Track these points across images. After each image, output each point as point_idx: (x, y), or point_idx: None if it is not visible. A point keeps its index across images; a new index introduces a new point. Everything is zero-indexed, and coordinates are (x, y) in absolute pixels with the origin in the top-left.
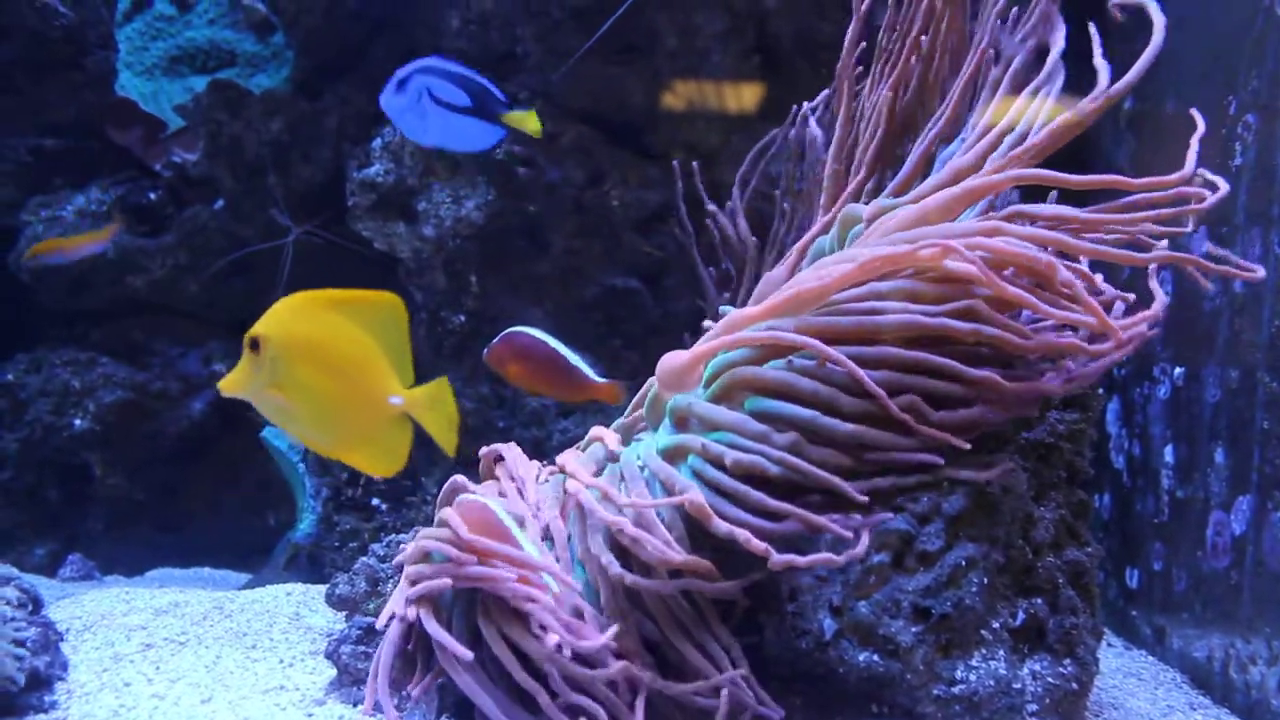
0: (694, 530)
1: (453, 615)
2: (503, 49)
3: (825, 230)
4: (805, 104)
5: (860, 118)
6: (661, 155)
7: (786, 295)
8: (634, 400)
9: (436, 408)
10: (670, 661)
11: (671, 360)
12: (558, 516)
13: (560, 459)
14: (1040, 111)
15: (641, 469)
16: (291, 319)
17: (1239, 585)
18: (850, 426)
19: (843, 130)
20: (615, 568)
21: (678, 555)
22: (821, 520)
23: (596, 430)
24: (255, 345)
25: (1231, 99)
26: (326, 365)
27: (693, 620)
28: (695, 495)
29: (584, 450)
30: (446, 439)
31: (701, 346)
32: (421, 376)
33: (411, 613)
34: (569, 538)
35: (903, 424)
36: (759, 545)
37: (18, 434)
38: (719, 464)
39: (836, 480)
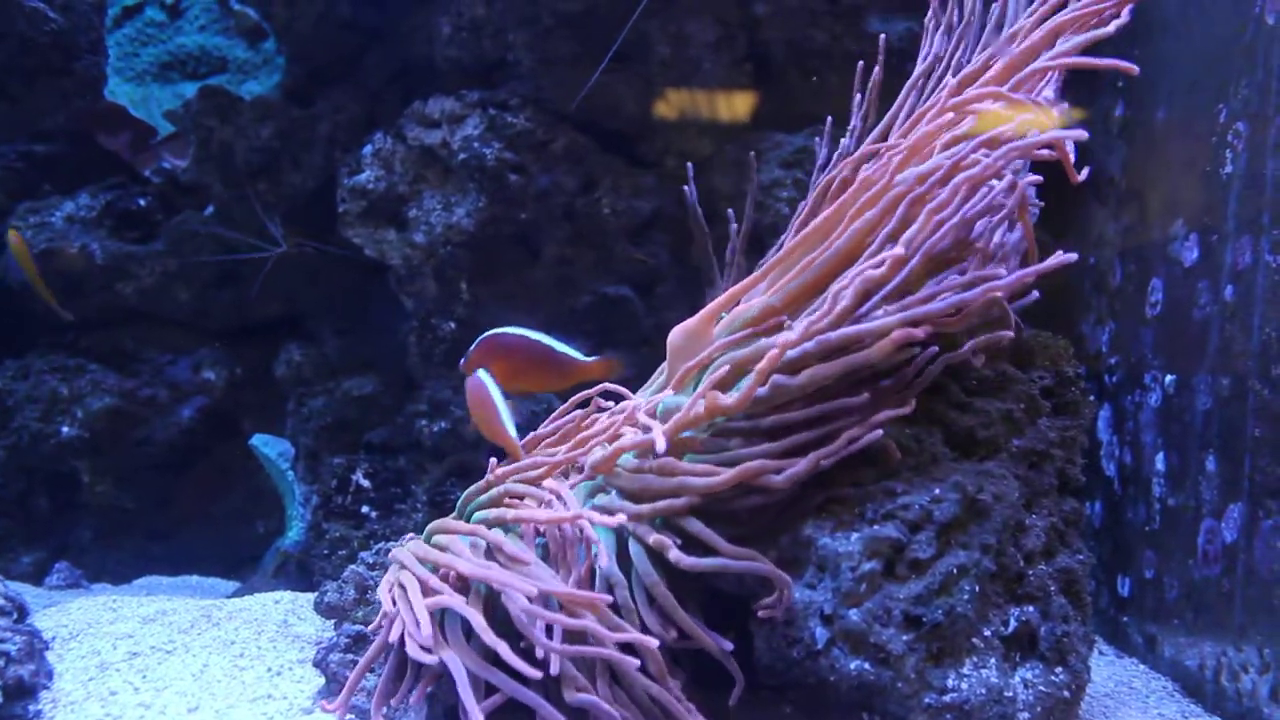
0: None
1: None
2: (494, 56)
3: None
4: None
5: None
6: (654, 163)
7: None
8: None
9: None
10: None
11: (684, 325)
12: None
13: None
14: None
15: None
16: None
17: (1230, 593)
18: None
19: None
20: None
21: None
22: None
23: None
24: None
25: (1222, 107)
26: None
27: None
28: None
29: None
30: None
31: (709, 308)
32: (414, 386)
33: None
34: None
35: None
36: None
37: (5, 441)
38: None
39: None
